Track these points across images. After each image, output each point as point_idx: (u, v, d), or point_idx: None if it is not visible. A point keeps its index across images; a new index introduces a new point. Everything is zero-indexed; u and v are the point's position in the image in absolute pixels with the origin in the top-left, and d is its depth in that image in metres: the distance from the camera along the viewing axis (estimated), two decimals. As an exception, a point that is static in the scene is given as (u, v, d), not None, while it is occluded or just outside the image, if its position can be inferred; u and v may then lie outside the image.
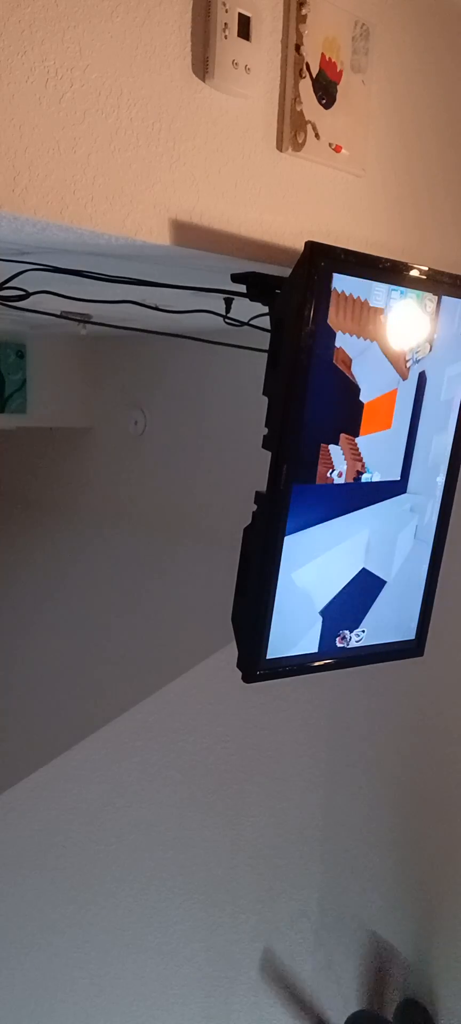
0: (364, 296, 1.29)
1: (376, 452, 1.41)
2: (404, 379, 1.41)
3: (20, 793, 2.36)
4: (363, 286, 1.28)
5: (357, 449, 1.37)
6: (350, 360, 1.31)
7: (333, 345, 1.27)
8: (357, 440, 1.37)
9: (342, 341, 1.28)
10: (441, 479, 1.56)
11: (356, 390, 1.34)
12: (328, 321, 1.25)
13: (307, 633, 1.45)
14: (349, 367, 1.31)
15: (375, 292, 1.30)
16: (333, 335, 1.27)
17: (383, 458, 1.43)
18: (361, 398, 1.35)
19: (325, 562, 1.42)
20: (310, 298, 1.22)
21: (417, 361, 1.41)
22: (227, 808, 2.84)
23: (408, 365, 1.40)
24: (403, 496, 1.50)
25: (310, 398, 1.28)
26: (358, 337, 1.30)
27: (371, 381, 1.36)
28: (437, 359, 1.45)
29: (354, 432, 1.36)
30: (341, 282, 1.25)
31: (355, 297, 1.27)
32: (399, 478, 1.47)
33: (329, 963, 3.05)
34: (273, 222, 1.30)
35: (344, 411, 1.35)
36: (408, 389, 1.42)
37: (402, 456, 1.47)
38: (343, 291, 1.25)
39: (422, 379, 1.43)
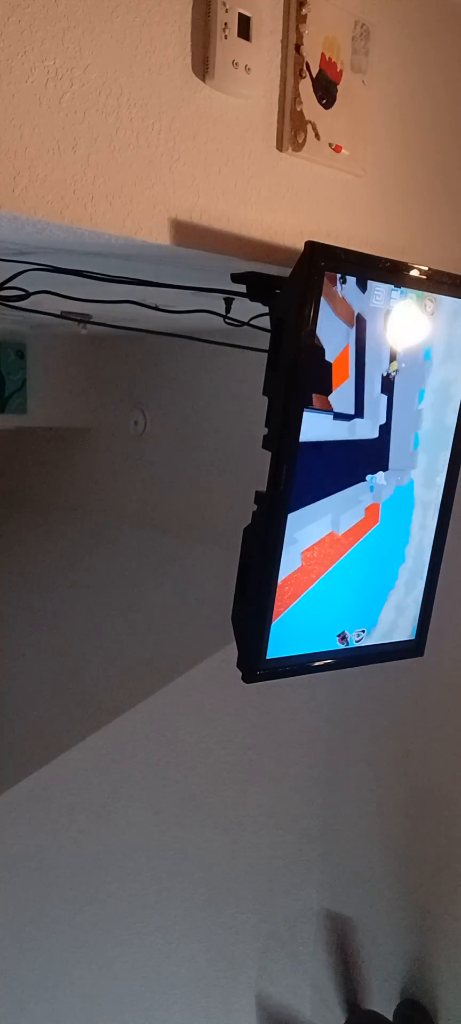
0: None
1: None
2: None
3: (20, 793, 2.36)
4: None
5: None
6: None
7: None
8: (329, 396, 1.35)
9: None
10: (441, 479, 1.56)
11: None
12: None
13: (307, 633, 1.45)
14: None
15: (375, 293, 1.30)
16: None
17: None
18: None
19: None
20: (310, 298, 1.22)
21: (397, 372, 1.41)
22: (227, 808, 2.84)
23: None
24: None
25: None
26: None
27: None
28: (435, 359, 1.46)
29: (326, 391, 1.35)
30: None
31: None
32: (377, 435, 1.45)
33: (329, 963, 3.05)
34: (273, 222, 1.30)
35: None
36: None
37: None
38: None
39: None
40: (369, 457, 1.43)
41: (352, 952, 3.01)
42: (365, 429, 1.40)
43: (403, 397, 1.43)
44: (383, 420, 1.42)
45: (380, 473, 1.44)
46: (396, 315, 1.35)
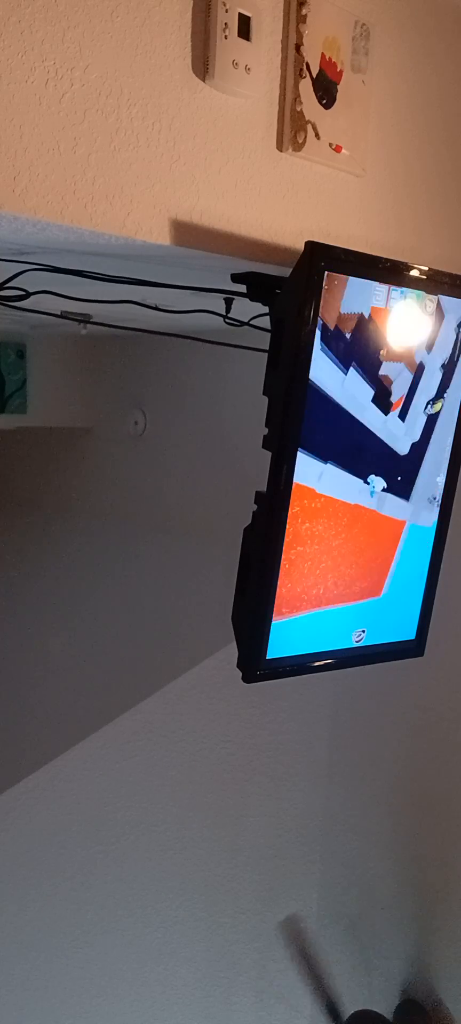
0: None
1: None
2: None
3: (20, 793, 2.36)
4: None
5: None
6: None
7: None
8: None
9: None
10: (441, 479, 1.56)
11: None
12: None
13: (308, 633, 1.45)
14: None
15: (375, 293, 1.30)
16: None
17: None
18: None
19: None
20: (310, 298, 1.22)
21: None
22: (227, 808, 2.84)
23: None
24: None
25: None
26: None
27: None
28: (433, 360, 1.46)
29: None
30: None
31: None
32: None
33: (329, 963, 3.05)
34: (273, 222, 1.30)
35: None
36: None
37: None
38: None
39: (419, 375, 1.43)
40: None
41: (352, 952, 3.01)
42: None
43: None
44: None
45: (379, 479, 1.45)
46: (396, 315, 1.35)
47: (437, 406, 1.47)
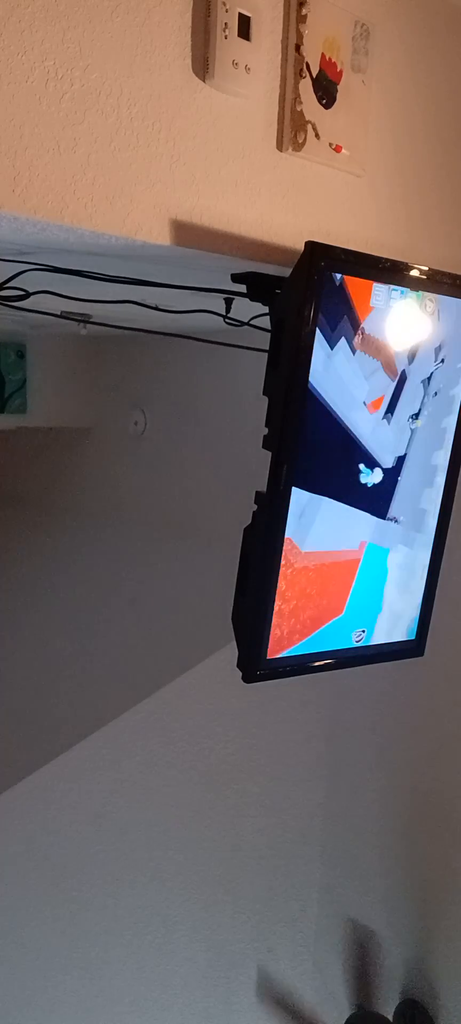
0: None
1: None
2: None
3: (20, 793, 2.36)
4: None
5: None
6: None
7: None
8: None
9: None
10: (441, 479, 1.56)
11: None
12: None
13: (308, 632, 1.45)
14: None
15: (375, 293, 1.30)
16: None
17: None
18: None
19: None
20: (310, 298, 1.21)
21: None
22: (227, 808, 2.84)
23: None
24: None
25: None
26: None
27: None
28: (422, 360, 1.46)
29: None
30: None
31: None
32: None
33: (329, 963, 3.05)
34: (273, 222, 1.30)
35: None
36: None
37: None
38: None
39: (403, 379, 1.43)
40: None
41: (352, 952, 3.01)
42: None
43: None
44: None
45: (377, 470, 1.44)
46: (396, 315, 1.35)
47: (418, 422, 1.46)
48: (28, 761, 2.42)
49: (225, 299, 1.77)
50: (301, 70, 1.27)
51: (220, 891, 2.86)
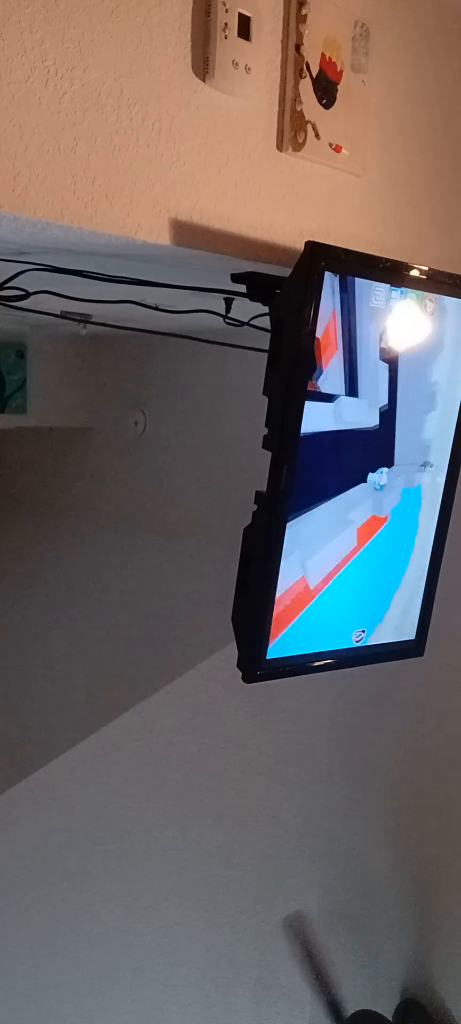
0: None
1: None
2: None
3: (20, 793, 2.36)
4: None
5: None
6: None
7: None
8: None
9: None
10: (441, 479, 1.56)
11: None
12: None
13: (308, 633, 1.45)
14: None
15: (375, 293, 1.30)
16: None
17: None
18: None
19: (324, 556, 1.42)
20: (310, 298, 1.21)
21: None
22: (227, 808, 2.84)
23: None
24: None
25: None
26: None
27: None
28: (422, 355, 1.46)
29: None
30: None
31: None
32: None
33: (329, 963, 3.05)
34: (273, 222, 1.30)
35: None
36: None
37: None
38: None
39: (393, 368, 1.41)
40: (370, 451, 1.42)
41: (352, 952, 3.01)
42: (361, 413, 1.37)
43: (409, 381, 1.42)
44: (384, 403, 1.39)
45: (383, 471, 1.44)
46: (396, 315, 1.35)
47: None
48: (28, 761, 2.42)
49: (225, 299, 1.77)
50: (301, 70, 1.27)
51: (220, 891, 2.86)
